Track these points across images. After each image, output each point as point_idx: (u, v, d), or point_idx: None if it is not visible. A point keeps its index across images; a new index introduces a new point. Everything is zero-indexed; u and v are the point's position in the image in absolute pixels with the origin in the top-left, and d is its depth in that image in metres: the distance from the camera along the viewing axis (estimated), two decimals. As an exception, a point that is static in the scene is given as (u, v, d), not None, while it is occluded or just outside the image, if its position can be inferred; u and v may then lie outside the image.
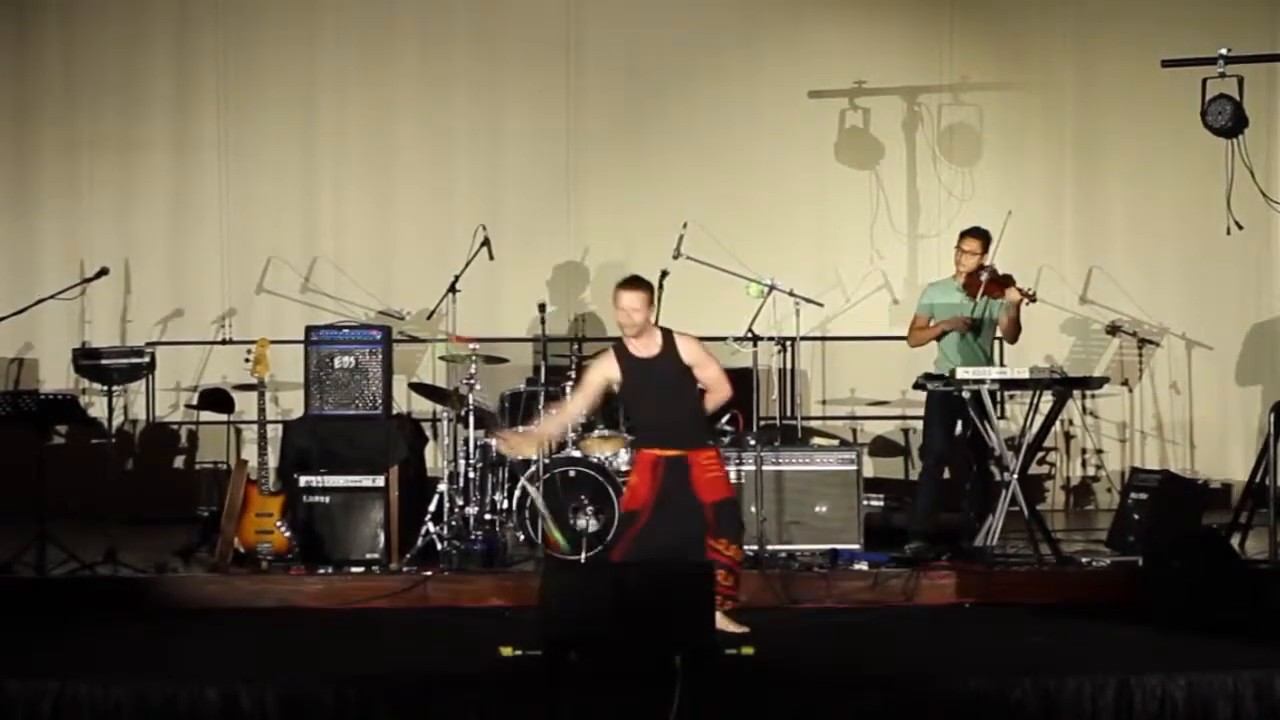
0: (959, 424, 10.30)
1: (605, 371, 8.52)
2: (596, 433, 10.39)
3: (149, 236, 13.15)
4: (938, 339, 10.51)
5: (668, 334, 8.49)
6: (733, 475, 10.17)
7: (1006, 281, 10.23)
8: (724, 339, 10.91)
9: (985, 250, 10.37)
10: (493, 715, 7.13)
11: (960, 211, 12.83)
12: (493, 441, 9.47)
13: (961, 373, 9.88)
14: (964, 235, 10.55)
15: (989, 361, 10.46)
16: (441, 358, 11.76)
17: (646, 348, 8.45)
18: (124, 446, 12.65)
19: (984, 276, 10.24)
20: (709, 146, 13.13)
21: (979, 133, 13.27)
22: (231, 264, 13.14)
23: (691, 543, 8.32)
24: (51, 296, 11.24)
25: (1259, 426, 12.19)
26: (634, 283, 8.46)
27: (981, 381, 9.86)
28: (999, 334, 10.61)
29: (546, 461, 10.03)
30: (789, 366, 12.00)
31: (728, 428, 10.75)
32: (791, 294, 10.55)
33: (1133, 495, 10.45)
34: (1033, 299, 10.26)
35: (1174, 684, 7.24)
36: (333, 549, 9.97)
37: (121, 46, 13.21)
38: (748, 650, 7.70)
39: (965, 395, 9.91)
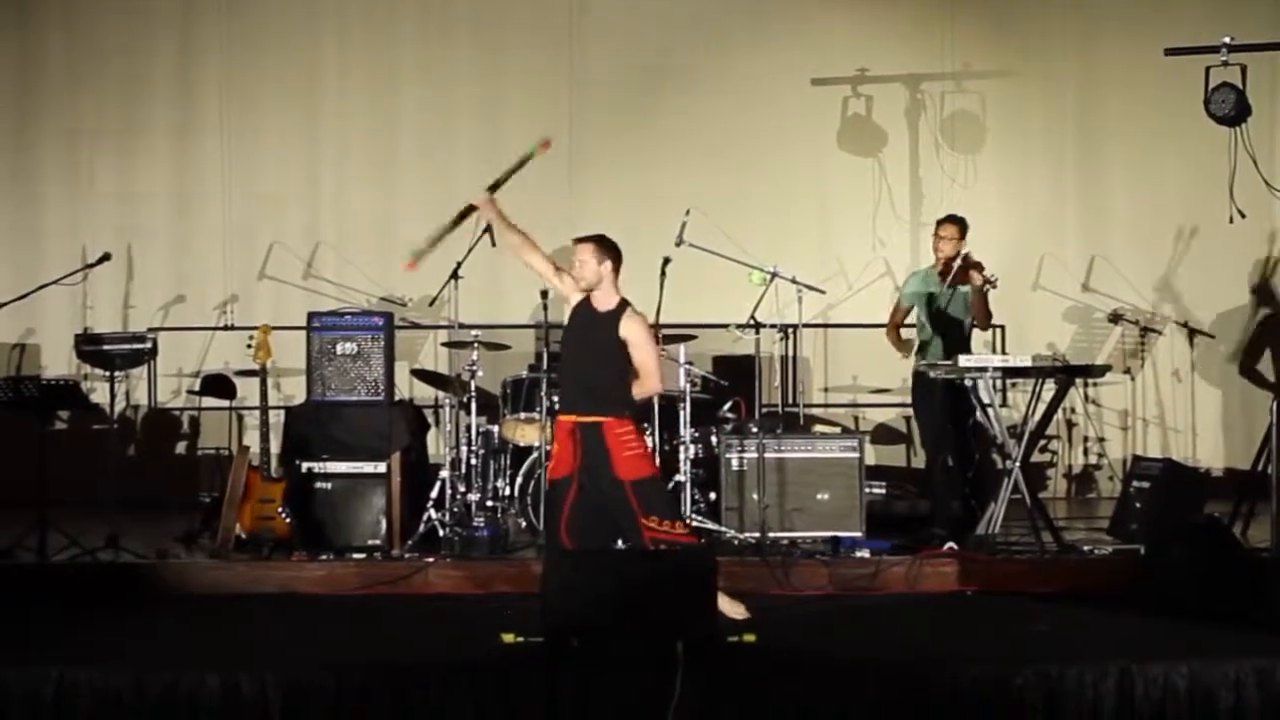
0: (939, 408, 10.29)
1: (567, 289, 8.44)
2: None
3: (151, 222, 13.15)
4: (899, 337, 10.72)
5: (623, 304, 8.41)
6: (735, 463, 10.22)
7: (975, 267, 10.24)
8: (726, 326, 10.92)
9: (962, 236, 10.42)
10: (494, 702, 7.13)
11: (963, 199, 12.83)
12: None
13: (964, 360, 9.88)
14: (941, 223, 10.65)
15: (965, 347, 10.42)
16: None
17: (604, 304, 8.40)
18: (126, 432, 12.66)
19: (958, 263, 10.24)
20: (711, 134, 13.12)
21: (981, 120, 13.27)
22: (234, 250, 13.15)
23: (621, 516, 8.26)
24: (54, 282, 11.24)
25: (1260, 414, 12.16)
26: (587, 237, 8.48)
27: (984, 370, 9.85)
28: (974, 321, 10.60)
29: (549, 449, 10.03)
30: (791, 354, 12.00)
31: (730, 414, 10.76)
32: (794, 281, 10.53)
33: (1135, 483, 10.44)
34: (993, 285, 10.23)
35: (1176, 672, 7.23)
36: (334, 535, 9.97)
37: (123, 32, 13.21)
38: (749, 638, 7.69)
39: (967, 383, 9.94)
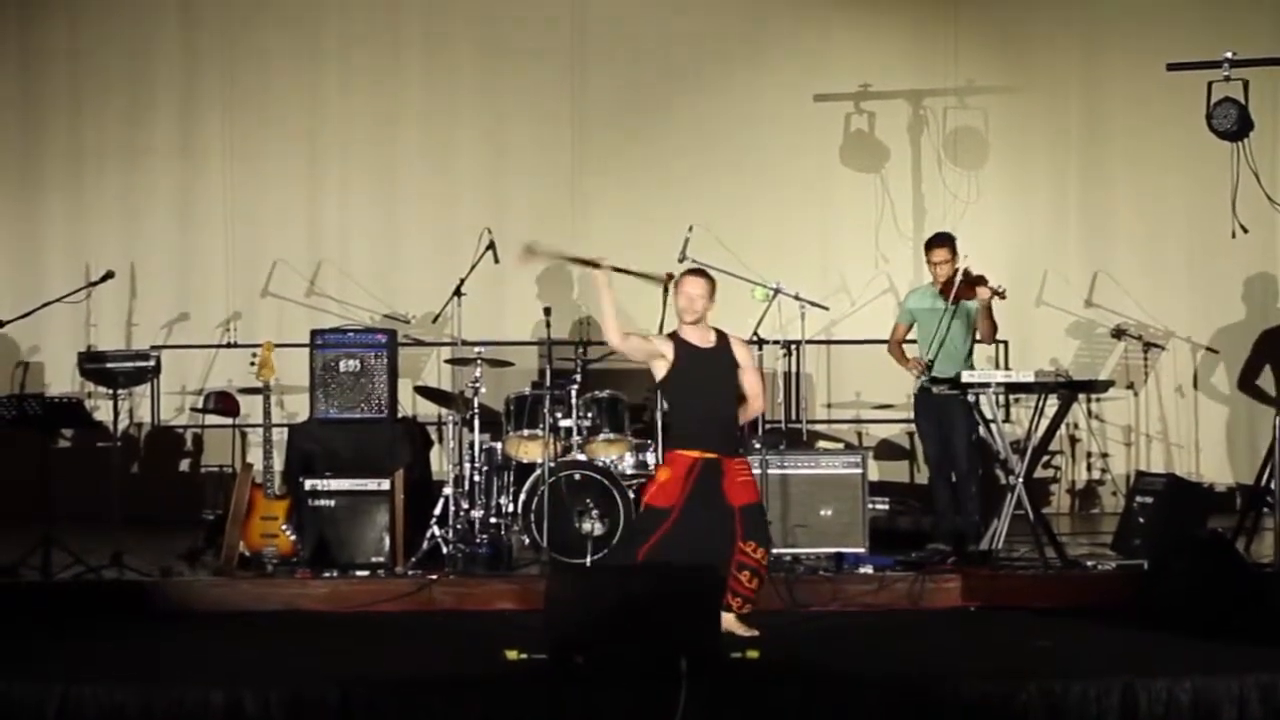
0: (942, 423, 10.29)
1: (661, 346, 8.52)
2: (602, 436, 10.41)
3: (154, 240, 13.17)
4: (903, 354, 10.66)
5: (722, 332, 8.58)
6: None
7: (979, 281, 10.17)
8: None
9: (954, 254, 10.36)
10: (498, 718, 7.12)
11: (965, 215, 12.86)
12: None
13: (967, 376, 9.88)
14: (930, 246, 10.55)
15: (967, 363, 10.40)
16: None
17: (703, 339, 8.51)
18: (129, 450, 12.65)
19: (959, 279, 10.19)
20: (714, 150, 13.14)
21: (984, 136, 13.28)
22: (237, 268, 13.15)
23: (721, 548, 8.32)
24: (57, 300, 11.24)
25: (1263, 429, 12.15)
26: (700, 271, 8.66)
27: (987, 385, 9.85)
28: (978, 336, 10.57)
29: (552, 465, 10.03)
30: (794, 370, 12.00)
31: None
32: (797, 297, 10.53)
33: (1138, 499, 10.43)
34: (1002, 295, 10.17)
35: (1179, 687, 7.22)
36: (338, 552, 9.95)
37: (127, 52, 13.24)
38: (753, 654, 7.69)
39: (970, 399, 9.94)
